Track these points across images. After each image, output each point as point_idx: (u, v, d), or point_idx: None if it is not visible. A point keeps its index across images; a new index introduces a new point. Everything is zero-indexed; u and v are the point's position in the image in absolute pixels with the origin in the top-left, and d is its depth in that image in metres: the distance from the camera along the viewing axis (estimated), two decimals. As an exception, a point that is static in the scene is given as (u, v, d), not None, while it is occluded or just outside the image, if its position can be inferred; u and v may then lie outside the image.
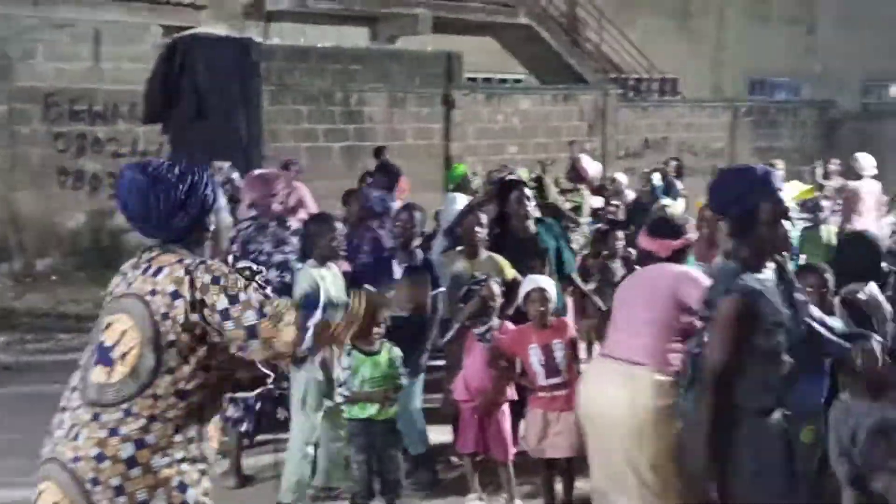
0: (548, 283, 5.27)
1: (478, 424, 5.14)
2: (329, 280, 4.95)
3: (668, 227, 4.51)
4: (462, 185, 9.34)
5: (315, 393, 4.99)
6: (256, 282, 2.78)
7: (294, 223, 5.92)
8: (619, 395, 4.14)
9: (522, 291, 5.18)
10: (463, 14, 17.22)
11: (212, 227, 2.87)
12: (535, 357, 5.00)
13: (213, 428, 2.79)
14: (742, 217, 3.41)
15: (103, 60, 11.76)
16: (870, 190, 9.95)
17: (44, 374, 7.65)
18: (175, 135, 7.40)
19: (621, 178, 10.88)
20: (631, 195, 10.29)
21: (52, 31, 11.46)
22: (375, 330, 4.70)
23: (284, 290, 4.90)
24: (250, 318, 2.61)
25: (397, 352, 4.85)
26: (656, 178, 10.41)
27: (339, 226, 5.25)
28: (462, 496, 5.30)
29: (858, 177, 10.43)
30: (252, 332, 2.61)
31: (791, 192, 10.00)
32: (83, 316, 9.72)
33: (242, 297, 2.65)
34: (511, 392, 5.21)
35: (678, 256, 4.39)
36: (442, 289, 5.73)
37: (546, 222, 6.47)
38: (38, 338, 8.89)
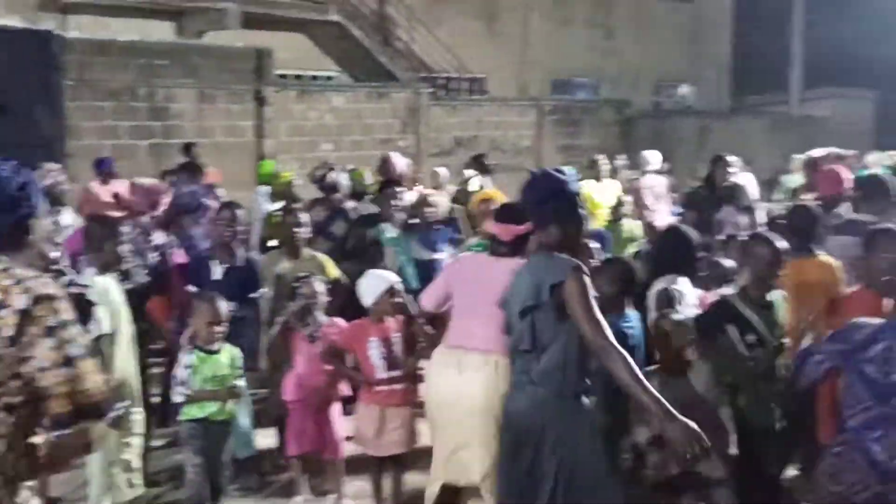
0: (393, 276, 5.30)
1: (311, 424, 5.10)
2: (114, 290, 4.73)
3: (512, 213, 4.62)
4: (271, 182, 9.24)
5: None
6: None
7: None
8: (474, 384, 4.30)
9: (369, 288, 5.15)
10: (273, 10, 16.99)
11: (29, 236, 2.69)
12: (374, 350, 5.00)
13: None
14: (544, 211, 3.71)
15: None
16: (651, 184, 10.49)
17: None
18: (-30, 131, 6.92)
19: (442, 172, 11.04)
20: (452, 190, 10.45)
21: None
22: (216, 329, 4.63)
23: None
24: (75, 349, 2.50)
25: (237, 352, 4.79)
26: (469, 174, 10.61)
27: (125, 230, 5.02)
28: (288, 499, 5.26)
29: (643, 172, 11.04)
30: (69, 362, 2.48)
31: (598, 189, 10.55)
32: None
33: (73, 329, 2.52)
34: (344, 388, 5.21)
35: (522, 241, 4.51)
36: (264, 290, 5.65)
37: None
38: None
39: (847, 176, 7.02)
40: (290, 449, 5.23)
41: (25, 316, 2.47)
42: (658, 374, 4.16)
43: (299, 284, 5.32)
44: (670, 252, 5.03)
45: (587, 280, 3.57)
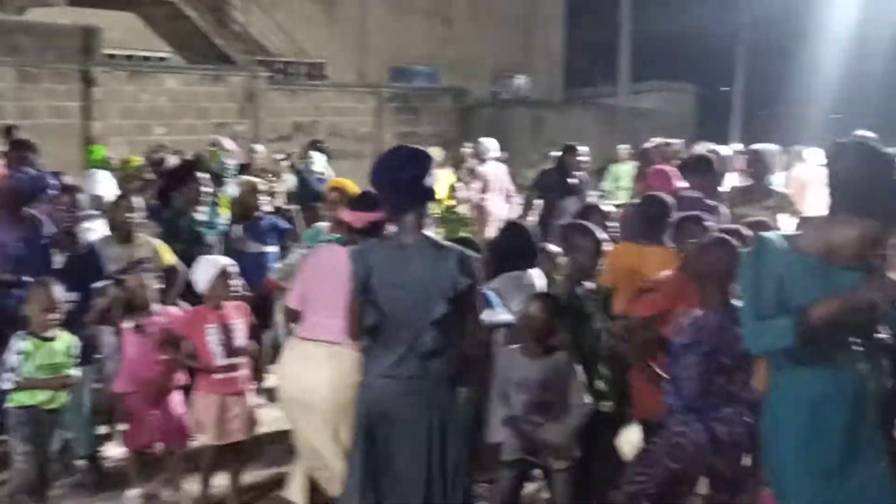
0: (228, 261, 5.19)
1: (147, 416, 4.96)
2: None
3: (364, 201, 4.60)
4: (103, 167, 8.92)
5: None
6: None
7: None
8: (323, 375, 4.31)
9: (202, 274, 5.04)
10: (101, -14, 16.30)
11: None
12: (213, 337, 4.90)
13: None
14: (404, 187, 3.65)
15: None
16: (492, 171, 10.77)
17: None
18: None
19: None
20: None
21: None
22: (51, 316, 4.48)
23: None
24: None
25: (73, 340, 4.63)
26: (317, 157, 10.49)
27: None
28: (123, 492, 5.11)
29: (482, 160, 11.33)
30: None
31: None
32: None
33: None
34: (182, 377, 5.09)
35: (374, 229, 4.47)
36: (107, 282, 5.44)
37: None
38: None
39: (675, 176, 7.53)
40: (126, 442, 5.08)
41: None
42: (524, 349, 4.34)
43: (125, 273, 5.15)
44: (510, 246, 5.14)
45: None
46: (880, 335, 3.97)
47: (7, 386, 4.45)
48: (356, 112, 18.79)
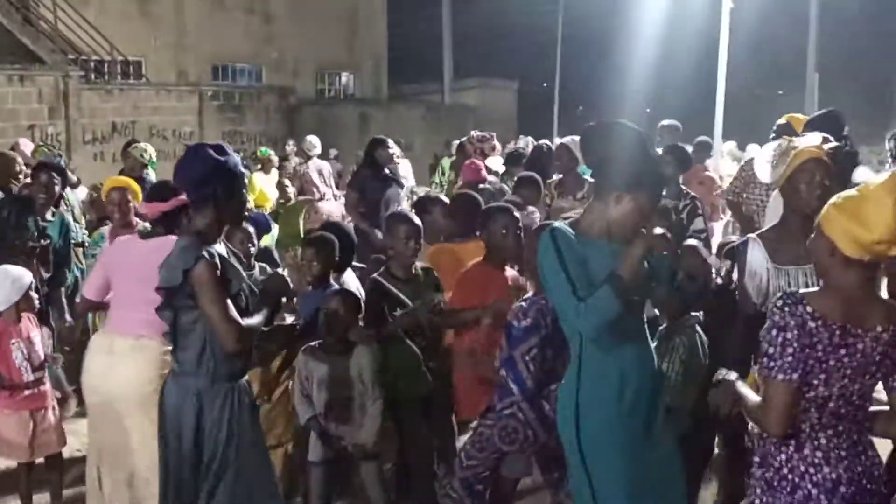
0: (18, 271, 4.92)
1: None
2: None
3: (158, 191, 4.55)
4: None
5: None
6: None
7: None
8: (126, 368, 4.25)
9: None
10: None
11: None
12: (17, 352, 4.67)
13: None
14: (204, 194, 3.60)
15: None
16: (318, 167, 10.87)
17: None
18: None
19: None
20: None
21: None
22: None
23: None
24: None
25: None
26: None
27: None
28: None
29: (308, 157, 11.44)
30: None
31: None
32: None
33: None
34: None
35: (170, 219, 4.43)
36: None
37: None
38: None
39: (483, 166, 7.84)
40: None
41: None
42: (320, 352, 4.33)
43: None
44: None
45: (214, 270, 3.50)
46: (692, 314, 4.27)
47: None
48: (177, 111, 18.24)
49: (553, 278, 3.24)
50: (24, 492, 4.80)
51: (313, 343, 4.39)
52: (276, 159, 11.72)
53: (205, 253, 3.49)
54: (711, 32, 16.87)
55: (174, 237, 4.31)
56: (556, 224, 3.36)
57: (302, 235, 7.27)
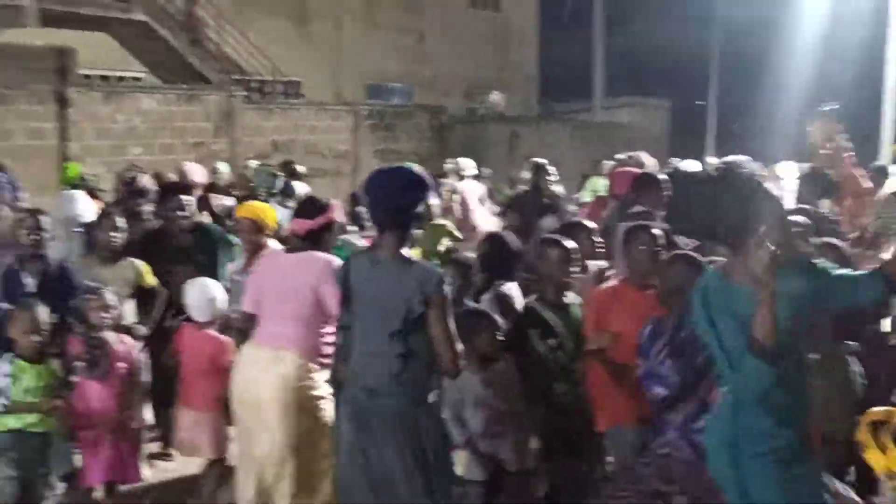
0: (215, 285, 5.22)
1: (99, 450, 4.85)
2: None
3: (306, 208, 4.67)
4: (79, 185, 8.81)
5: None
6: None
7: None
8: (266, 378, 4.39)
9: (193, 298, 5.09)
10: (73, 7, 16.17)
11: None
12: None
13: None
14: (395, 211, 3.70)
15: None
16: (471, 188, 10.94)
17: None
18: None
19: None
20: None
21: None
22: (35, 338, 4.43)
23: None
24: None
25: (55, 362, 4.58)
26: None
27: None
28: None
29: (461, 178, 11.50)
30: None
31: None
32: None
33: None
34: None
35: (317, 236, 4.54)
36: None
37: (206, 228, 6.42)
38: None
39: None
40: (80, 476, 4.91)
41: None
42: (467, 367, 4.32)
43: (91, 295, 5.06)
44: (492, 258, 5.16)
45: (448, 294, 3.66)
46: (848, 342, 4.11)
47: None
48: (333, 130, 18.77)
49: (704, 331, 3.31)
50: (211, 489, 5.03)
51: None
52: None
53: (444, 276, 3.64)
54: (873, 44, 16.13)
55: (317, 253, 4.47)
56: (708, 272, 3.42)
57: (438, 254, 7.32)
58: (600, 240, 5.67)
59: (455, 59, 24.78)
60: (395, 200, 3.70)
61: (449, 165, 13.23)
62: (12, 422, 4.44)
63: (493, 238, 5.47)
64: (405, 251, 3.74)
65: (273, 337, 4.43)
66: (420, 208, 3.72)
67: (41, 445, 4.52)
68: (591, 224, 5.89)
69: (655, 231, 4.65)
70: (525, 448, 4.31)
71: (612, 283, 4.70)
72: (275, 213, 5.94)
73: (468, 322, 4.36)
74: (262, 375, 4.41)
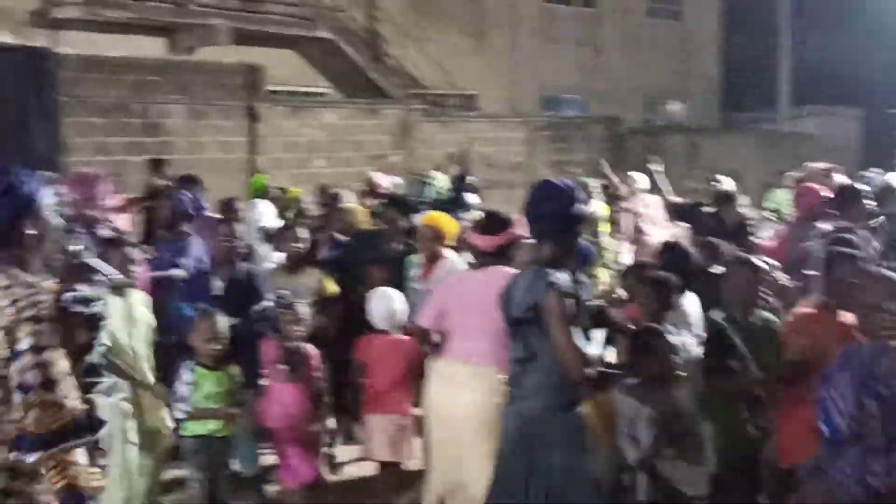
0: (397, 295, 5.32)
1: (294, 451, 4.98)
2: (120, 308, 4.66)
3: (491, 223, 4.64)
4: (264, 196, 9.21)
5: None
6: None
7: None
8: (466, 396, 4.40)
9: (377, 307, 5.21)
10: (263, 26, 17.00)
11: (32, 232, 2.68)
12: None
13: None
14: (546, 229, 3.71)
15: None
16: (644, 203, 10.66)
17: None
18: (-36, 148, 6.88)
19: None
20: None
21: None
22: (215, 346, 4.60)
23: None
24: (31, 377, 2.51)
25: (236, 368, 4.75)
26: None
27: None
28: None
29: (633, 193, 11.20)
30: (23, 388, 2.51)
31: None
32: None
33: (47, 354, 2.53)
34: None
35: (503, 252, 4.52)
36: (267, 303, 5.63)
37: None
38: None
39: (822, 191, 7.08)
40: (280, 478, 5.08)
41: (8, 335, 2.52)
42: (641, 386, 4.20)
43: (283, 306, 5.21)
44: (672, 269, 4.99)
45: (563, 300, 3.60)
46: None
47: (179, 416, 4.59)
48: (508, 142, 18.86)
49: None
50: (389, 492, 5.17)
51: (629, 381, 4.29)
52: (594, 188, 11.62)
53: (554, 282, 3.58)
54: None
55: (506, 269, 4.45)
56: None
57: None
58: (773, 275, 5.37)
59: (632, 69, 24.39)
60: (538, 210, 3.76)
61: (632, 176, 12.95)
62: (197, 427, 4.61)
63: (674, 248, 5.29)
64: (542, 260, 3.73)
65: (469, 352, 4.43)
66: (566, 219, 3.70)
67: (224, 448, 4.69)
68: (760, 264, 5.49)
69: (859, 254, 4.42)
70: (701, 473, 4.14)
71: (807, 306, 4.45)
72: (455, 225, 5.99)
73: (642, 341, 4.25)
74: (461, 392, 4.42)
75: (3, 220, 2.63)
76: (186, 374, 4.63)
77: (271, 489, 5.51)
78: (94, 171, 6.45)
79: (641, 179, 11.37)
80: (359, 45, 18.34)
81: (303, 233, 6.18)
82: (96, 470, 2.68)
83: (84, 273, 3.70)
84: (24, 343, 2.50)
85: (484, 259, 4.60)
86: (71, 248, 2.95)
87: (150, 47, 15.82)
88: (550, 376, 3.67)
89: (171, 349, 5.05)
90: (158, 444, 4.82)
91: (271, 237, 7.56)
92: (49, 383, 2.51)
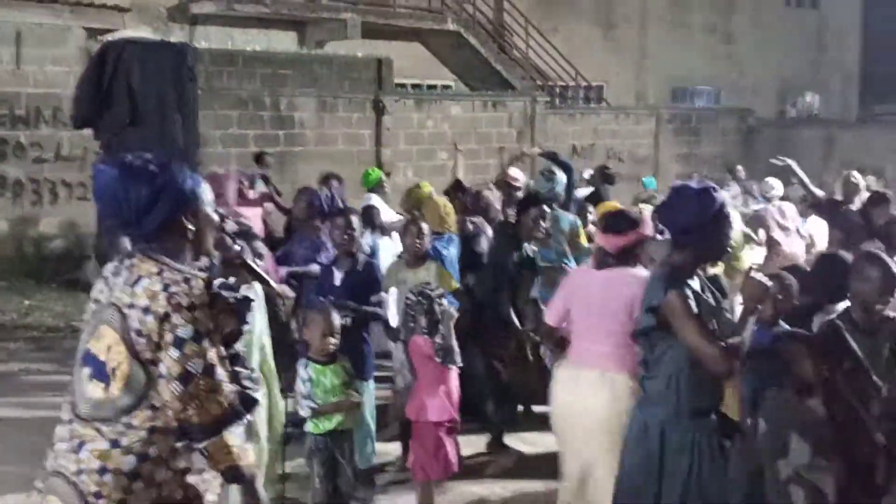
0: None
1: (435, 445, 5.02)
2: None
3: (616, 223, 4.55)
4: (376, 189, 9.24)
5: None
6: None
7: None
8: (593, 401, 4.30)
9: None
10: (391, 20, 17.23)
11: (190, 227, 2.71)
12: None
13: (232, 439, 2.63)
14: (687, 238, 3.60)
15: (25, 63, 11.41)
16: (779, 210, 10.31)
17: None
18: (108, 140, 7.20)
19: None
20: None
21: (-28, 33, 11.10)
22: (330, 340, 4.67)
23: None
24: (196, 365, 2.53)
25: (345, 358, 4.81)
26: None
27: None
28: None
29: (768, 200, 10.81)
30: (187, 377, 2.52)
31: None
32: (8, 326, 9.43)
33: (205, 342, 2.56)
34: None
35: (628, 253, 4.44)
36: (384, 295, 5.70)
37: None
38: (-36, 348, 8.58)
39: None
40: (415, 473, 5.11)
41: (164, 322, 2.52)
42: (789, 395, 4.07)
43: (421, 297, 5.22)
44: (826, 279, 4.78)
45: (686, 298, 3.49)
46: None
47: (305, 413, 4.63)
48: (634, 134, 18.58)
49: None
50: None
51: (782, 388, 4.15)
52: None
53: (673, 284, 3.50)
54: None
55: (631, 269, 4.37)
56: None
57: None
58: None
59: (766, 59, 23.64)
60: (676, 217, 3.63)
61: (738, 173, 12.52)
62: (325, 423, 4.65)
63: (831, 259, 5.06)
64: (675, 264, 3.62)
65: (597, 357, 4.33)
66: (703, 228, 3.56)
67: (348, 442, 4.76)
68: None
69: None
70: (850, 484, 3.97)
71: None
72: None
73: (787, 347, 4.10)
74: (590, 398, 4.31)
75: (164, 214, 2.65)
76: (304, 372, 4.68)
77: (384, 481, 5.60)
78: (224, 170, 6.69)
79: (777, 185, 10.98)
80: (484, 38, 18.37)
81: (426, 227, 6.23)
82: (250, 447, 2.75)
83: (238, 268, 3.78)
84: (184, 331, 2.52)
85: (609, 259, 4.50)
86: (227, 243, 2.97)
87: (282, 41, 16.24)
88: (671, 382, 3.57)
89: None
90: (274, 436, 4.96)
91: (385, 230, 7.64)
92: (210, 369, 2.55)
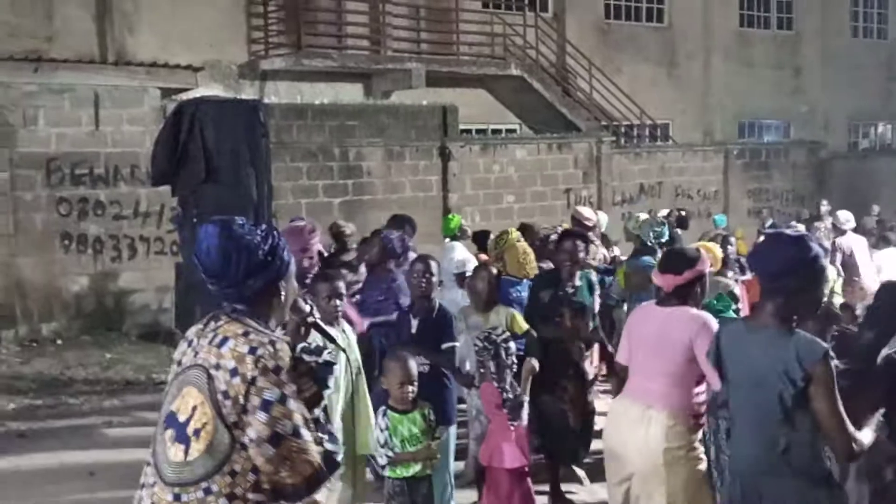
0: None
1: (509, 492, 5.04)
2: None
3: (672, 262, 4.56)
4: (458, 236, 9.33)
5: None
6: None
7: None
8: (634, 436, 4.31)
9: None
10: (455, 67, 17.45)
11: (283, 294, 2.75)
12: None
13: None
14: (778, 285, 3.51)
15: (103, 124, 11.85)
16: (850, 243, 10.16)
17: (59, 440, 7.64)
18: (184, 197, 7.42)
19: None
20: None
21: (53, 97, 11.52)
22: (409, 388, 4.71)
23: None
24: (285, 426, 2.53)
25: (428, 408, 4.82)
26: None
27: (339, 285, 5.16)
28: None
29: (841, 232, 10.67)
30: (277, 439, 2.52)
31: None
32: (91, 380, 9.71)
33: (292, 403, 2.56)
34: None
35: (685, 291, 4.44)
36: (456, 343, 5.74)
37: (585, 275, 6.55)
38: (47, 403, 8.84)
39: None
40: None
41: (251, 385, 2.53)
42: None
43: (487, 342, 5.27)
44: (889, 309, 4.68)
45: (832, 369, 3.36)
46: None
47: (383, 461, 4.69)
48: (702, 171, 18.43)
49: None
50: None
51: None
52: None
53: (827, 350, 3.37)
54: None
55: (690, 309, 4.36)
56: None
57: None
58: None
59: (836, 91, 23.30)
60: (771, 266, 3.52)
61: (824, 207, 12.41)
62: (399, 470, 4.68)
63: (892, 288, 4.96)
64: (786, 320, 3.46)
65: (644, 393, 4.35)
66: (801, 277, 3.46)
67: (427, 489, 4.78)
68: None
69: None
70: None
71: None
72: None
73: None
74: (630, 433, 4.34)
75: (268, 278, 2.68)
76: (381, 420, 4.71)
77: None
78: (308, 223, 6.81)
79: (849, 218, 10.85)
80: (548, 81, 18.47)
81: (493, 273, 6.27)
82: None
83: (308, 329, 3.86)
84: (271, 394, 2.51)
85: (667, 298, 4.51)
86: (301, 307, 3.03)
87: (349, 93, 16.56)
88: (813, 446, 3.42)
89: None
90: (359, 479, 5.02)
91: (464, 281, 7.67)
92: (297, 430, 2.54)
